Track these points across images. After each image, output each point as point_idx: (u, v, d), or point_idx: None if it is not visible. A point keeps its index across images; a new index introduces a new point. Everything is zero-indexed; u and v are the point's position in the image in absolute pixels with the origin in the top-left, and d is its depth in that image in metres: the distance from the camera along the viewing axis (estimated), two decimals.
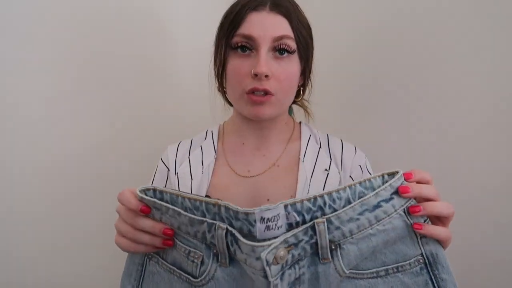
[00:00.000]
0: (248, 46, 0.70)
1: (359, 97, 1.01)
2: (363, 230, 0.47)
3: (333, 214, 0.46)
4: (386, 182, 0.48)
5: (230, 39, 0.72)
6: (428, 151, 0.90)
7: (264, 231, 0.45)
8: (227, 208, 0.47)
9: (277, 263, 0.45)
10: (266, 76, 0.68)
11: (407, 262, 0.48)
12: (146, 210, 0.51)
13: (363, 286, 0.47)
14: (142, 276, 0.54)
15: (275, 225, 0.46)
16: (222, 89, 0.80)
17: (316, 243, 0.47)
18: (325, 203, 0.47)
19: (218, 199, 0.48)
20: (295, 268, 0.47)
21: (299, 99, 0.82)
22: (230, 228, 0.46)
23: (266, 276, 0.44)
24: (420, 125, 0.91)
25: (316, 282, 0.47)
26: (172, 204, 0.49)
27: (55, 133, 0.92)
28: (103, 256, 0.98)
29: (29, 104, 0.87)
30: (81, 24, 0.93)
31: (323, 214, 0.46)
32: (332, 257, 0.47)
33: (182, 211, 0.48)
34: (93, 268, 0.99)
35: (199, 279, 0.49)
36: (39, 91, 0.88)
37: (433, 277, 0.48)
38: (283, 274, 0.46)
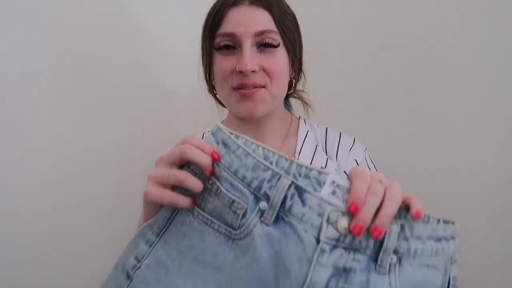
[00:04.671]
0: (231, 44, 0.69)
1: (362, 93, 1.03)
2: (423, 256, 0.43)
3: (409, 223, 0.43)
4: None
5: (213, 40, 0.71)
6: (429, 148, 0.91)
7: (329, 194, 0.44)
8: (299, 165, 0.46)
9: (336, 230, 0.42)
10: (253, 71, 0.67)
11: None
12: (217, 156, 0.48)
13: None
14: (167, 224, 0.50)
15: (342, 195, 0.44)
16: (212, 90, 0.79)
17: (381, 243, 0.42)
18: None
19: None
20: (348, 254, 0.42)
21: (292, 91, 0.80)
22: (296, 182, 0.45)
23: (318, 238, 0.42)
24: (423, 121, 0.92)
25: None
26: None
27: (52, 135, 0.91)
28: (103, 257, 0.95)
29: (22, 105, 0.87)
30: (77, 27, 0.93)
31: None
32: (389, 271, 0.42)
33: (251, 152, 0.47)
34: (93, 269, 0.93)
35: (237, 231, 0.47)
36: (32, 93, 0.88)
37: None
38: (335, 247, 0.42)
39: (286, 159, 0.47)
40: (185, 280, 0.47)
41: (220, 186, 0.48)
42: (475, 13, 0.83)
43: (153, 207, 0.51)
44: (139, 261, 0.49)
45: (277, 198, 0.45)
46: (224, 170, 0.48)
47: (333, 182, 0.44)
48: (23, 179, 0.87)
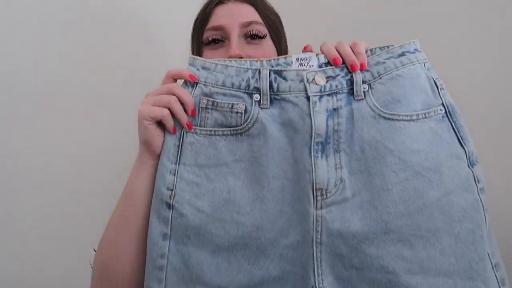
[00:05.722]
0: (219, 38, 0.71)
1: None
2: (389, 71, 0.55)
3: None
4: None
5: (201, 37, 0.74)
6: None
7: (298, 66, 0.57)
8: (267, 60, 0.58)
9: (316, 84, 0.55)
10: (241, 58, 0.67)
11: (432, 109, 0.55)
12: (194, 77, 0.58)
13: (398, 126, 0.54)
14: (179, 150, 0.57)
15: (307, 63, 0.57)
16: None
17: (351, 80, 0.56)
18: None
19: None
20: (332, 98, 0.55)
21: None
22: (273, 68, 0.57)
23: (307, 96, 0.55)
24: None
25: (351, 119, 0.55)
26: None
27: (53, 134, 0.91)
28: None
29: (23, 105, 0.87)
30: (78, 26, 0.94)
31: None
32: (365, 96, 0.55)
33: (229, 64, 0.58)
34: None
35: (244, 125, 0.56)
36: (32, 93, 0.88)
37: (453, 124, 0.55)
38: (321, 97, 0.55)
39: (256, 60, 0.58)
40: (218, 182, 0.56)
41: (216, 100, 0.57)
42: (474, 11, 0.83)
43: (148, 125, 0.57)
44: (172, 189, 0.56)
45: (265, 86, 0.57)
46: (213, 86, 0.58)
47: (297, 59, 0.58)
48: (22, 179, 0.87)
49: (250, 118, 0.56)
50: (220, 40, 0.72)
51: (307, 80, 0.55)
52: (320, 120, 0.54)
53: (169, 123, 0.57)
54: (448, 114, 0.55)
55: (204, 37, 0.73)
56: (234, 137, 0.57)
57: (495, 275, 0.52)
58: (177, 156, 0.57)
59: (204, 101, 0.57)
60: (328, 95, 0.55)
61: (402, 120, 0.54)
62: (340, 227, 0.52)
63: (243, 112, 0.56)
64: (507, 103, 0.80)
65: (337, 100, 0.55)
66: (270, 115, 0.56)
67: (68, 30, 0.91)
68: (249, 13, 0.72)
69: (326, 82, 0.55)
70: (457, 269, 0.51)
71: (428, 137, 0.54)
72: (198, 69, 0.58)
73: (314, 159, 0.53)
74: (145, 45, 1.04)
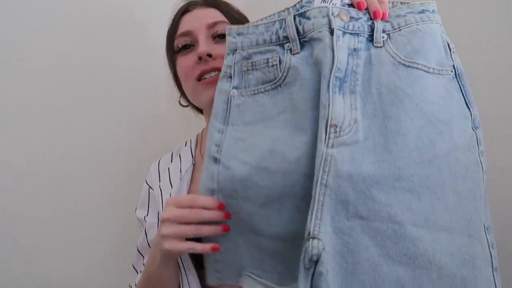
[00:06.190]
0: (189, 43, 0.73)
1: None
2: (410, 24, 0.55)
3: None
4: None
5: (173, 45, 0.75)
6: None
7: (321, 2, 0.55)
8: (292, 7, 0.58)
9: (341, 20, 0.53)
10: (210, 55, 0.69)
11: (444, 68, 0.56)
12: (223, 206, 0.56)
13: (417, 75, 0.53)
14: (227, 112, 0.59)
15: (331, 0, 0.55)
16: (186, 99, 0.80)
17: (372, 26, 0.55)
18: None
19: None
20: (354, 38, 0.54)
21: None
22: (296, 13, 0.57)
23: (331, 30, 0.53)
24: None
25: (369, 64, 0.54)
26: None
27: (54, 134, 0.90)
28: (104, 256, 0.94)
29: (23, 105, 0.87)
30: (78, 26, 0.94)
31: None
32: (383, 44, 0.55)
33: (259, 22, 0.59)
34: (92, 268, 0.94)
35: (280, 75, 0.57)
36: (32, 93, 0.88)
37: (461, 86, 0.56)
38: (344, 33, 0.53)
39: (283, 10, 0.59)
40: (263, 136, 0.56)
41: (253, 60, 0.59)
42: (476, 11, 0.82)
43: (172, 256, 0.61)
44: (219, 145, 0.58)
45: (292, 32, 0.56)
46: (250, 48, 0.59)
47: None
48: (22, 179, 0.86)
49: (284, 66, 0.56)
50: (190, 45, 0.73)
51: (332, 13, 0.53)
52: (342, 56, 0.52)
53: (209, 231, 0.57)
54: (458, 77, 0.56)
55: (175, 45, 0.74)
56: (275, 90, 0.57)
57: (486, 237, 0.53)
58: (226, 118, 0.59)
59: (244, 64, 0.59)
60: (350, 33, 0.54)
61: (421, 70, 0.54)
62: (349, 168, 0.48)
63: (278, 63, 0.57)
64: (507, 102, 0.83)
65: (358, 42, 0.54)
66: (301, 58, 0.55)
67: (70, 30, 0.93)
68: (215, 15, 0.74)
69: (349, 21, 0.54)
70: (457, 226, 0.50)
71: (441, 91, 0.54)
72: (234, 37, 0.60)
73: (332, 93, 0.50)
74: (145, 46, 1.04)
